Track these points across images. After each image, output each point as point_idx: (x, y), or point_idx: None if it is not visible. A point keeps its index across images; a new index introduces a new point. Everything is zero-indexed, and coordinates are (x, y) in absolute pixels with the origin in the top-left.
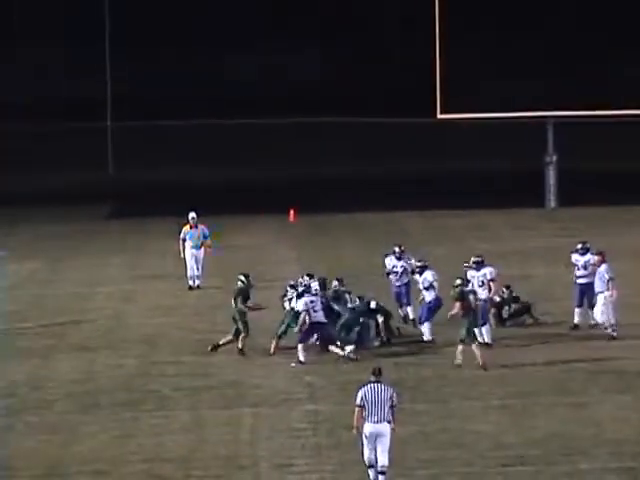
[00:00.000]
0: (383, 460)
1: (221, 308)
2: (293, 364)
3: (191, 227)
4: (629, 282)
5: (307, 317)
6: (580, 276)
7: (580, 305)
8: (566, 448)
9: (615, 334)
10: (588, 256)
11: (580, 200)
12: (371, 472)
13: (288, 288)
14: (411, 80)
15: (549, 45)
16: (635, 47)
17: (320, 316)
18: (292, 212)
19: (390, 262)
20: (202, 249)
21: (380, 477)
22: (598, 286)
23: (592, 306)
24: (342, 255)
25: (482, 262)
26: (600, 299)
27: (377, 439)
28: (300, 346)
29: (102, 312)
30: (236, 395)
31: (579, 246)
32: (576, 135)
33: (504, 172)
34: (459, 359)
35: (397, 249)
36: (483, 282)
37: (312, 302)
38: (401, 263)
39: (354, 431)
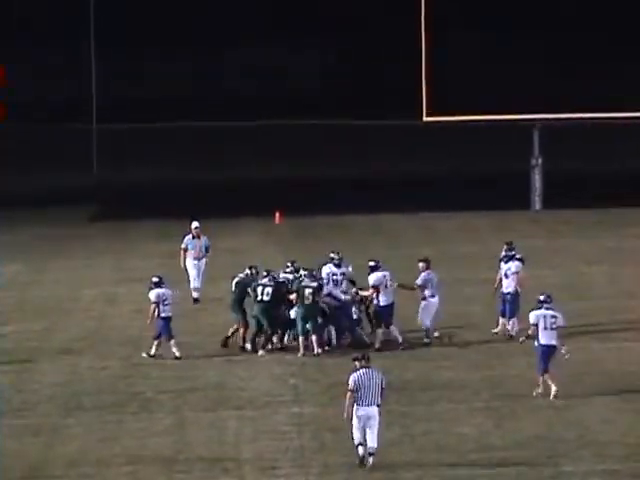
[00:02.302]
0: (372, 442)
1: (206, 310)
2: (144, 354)
3: (194, 237)
4: (610, 285)
5: (156, 310)
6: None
7: (504, 315)
8: (550, 450)
9: (428, 340)
10: (510, 264)
11: (565, 203)
12: (360, 449)
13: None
14: (397, 83)
15: (535, 48)
16: (621, 52)
17: (168, 310)
18: (278, 214)
19: (329, 270)
20: (203, 260)
21: (370, 458)
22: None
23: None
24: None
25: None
26: (422, 304)
27: (367, 422)
28: (156, 342)
29: (86, 314)
30: (220, 397)
31: (502, 254)
32: (561, 138)
33: (490, 174)
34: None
35: (335, 256)
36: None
37: (163, 295)
38: (341, 270)
39: (344, 415)
